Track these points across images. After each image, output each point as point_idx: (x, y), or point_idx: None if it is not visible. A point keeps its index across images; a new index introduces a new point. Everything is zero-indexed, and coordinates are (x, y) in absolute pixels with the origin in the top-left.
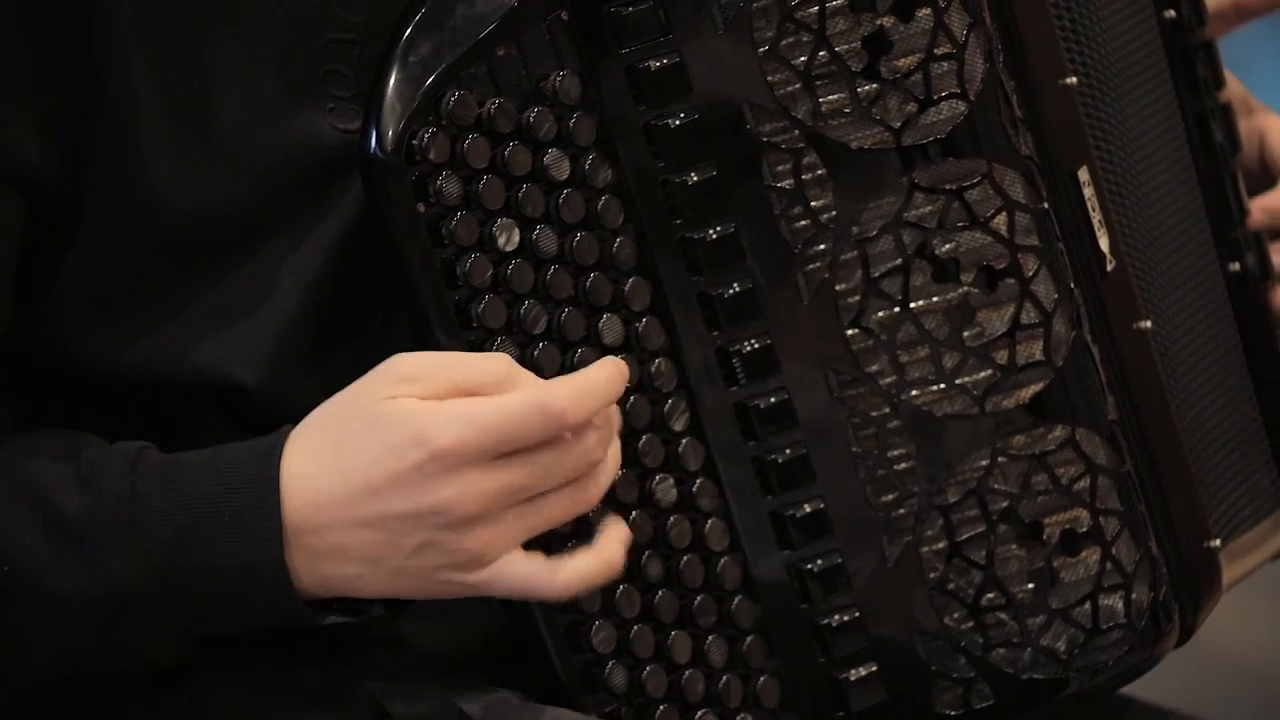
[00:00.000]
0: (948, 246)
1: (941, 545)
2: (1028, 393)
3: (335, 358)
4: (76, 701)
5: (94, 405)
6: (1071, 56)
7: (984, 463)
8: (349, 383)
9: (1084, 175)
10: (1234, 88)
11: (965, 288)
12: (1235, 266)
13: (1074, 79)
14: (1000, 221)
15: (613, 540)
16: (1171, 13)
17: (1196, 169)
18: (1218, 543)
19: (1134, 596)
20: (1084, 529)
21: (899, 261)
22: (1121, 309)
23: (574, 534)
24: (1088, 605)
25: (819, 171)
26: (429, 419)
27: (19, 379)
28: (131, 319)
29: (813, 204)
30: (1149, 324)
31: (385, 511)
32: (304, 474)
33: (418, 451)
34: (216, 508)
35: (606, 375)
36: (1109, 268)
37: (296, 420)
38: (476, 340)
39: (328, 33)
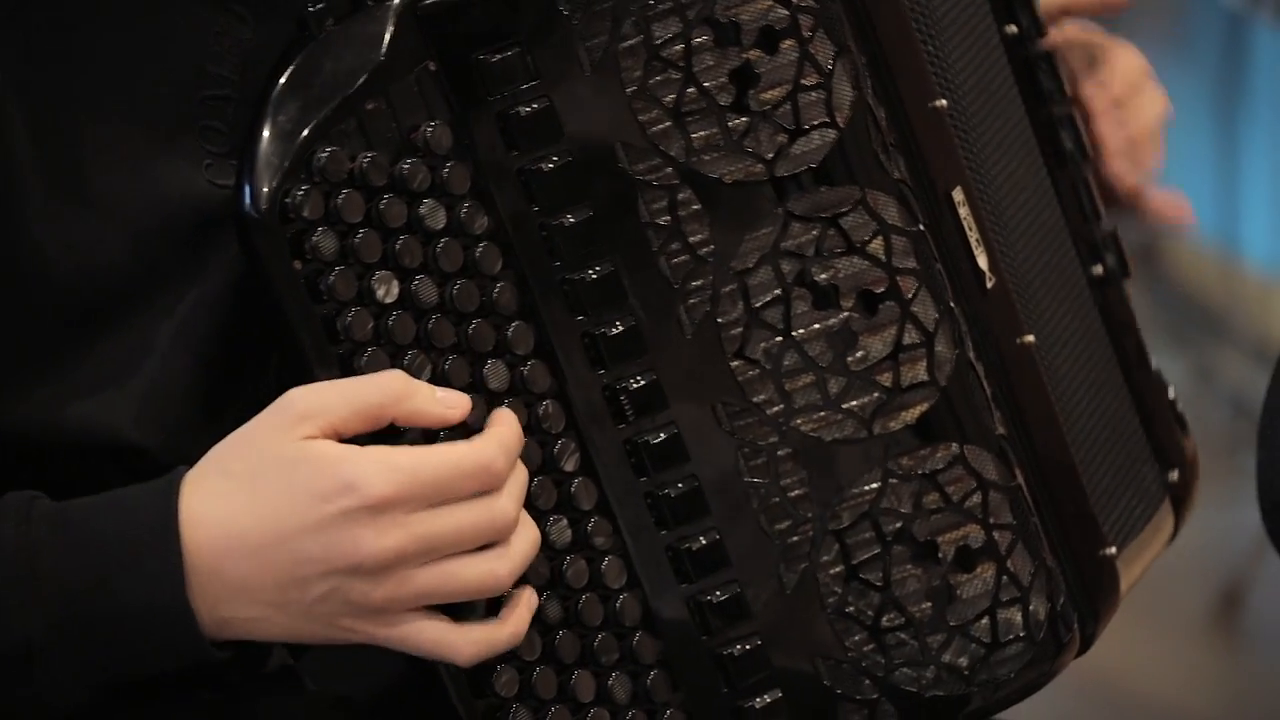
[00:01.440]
0: (826, 274)
1: (838, 569)
2: (914, 413)
3: (227, 411)
4: None
5: None
6: (938, 80)
7: (875, 485)
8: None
9: (959, 195)
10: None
11: (846, 313)
12: (1098, 270)
13: (943, 101)
14: (877, 246)
15: (522, 608)
16: (1012, 27)
17: (1052, 178)
18: (1114, 550)
19: (1032, 609)
20: (978, 545)
21: (779, 291)
22: (1005, 325)
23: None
24: (986, 620)
25: (695, 207)
26: (358, 464)
27: None
28: (12, 381)
29: (690, 239)
30: (1032, 338)
31: (297, 555)
32: (210, 517)
33: (347, 499)
34: (115, 551)
35: (517, 431)
36: (989, 285)
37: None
38: None
39: (202, 89)
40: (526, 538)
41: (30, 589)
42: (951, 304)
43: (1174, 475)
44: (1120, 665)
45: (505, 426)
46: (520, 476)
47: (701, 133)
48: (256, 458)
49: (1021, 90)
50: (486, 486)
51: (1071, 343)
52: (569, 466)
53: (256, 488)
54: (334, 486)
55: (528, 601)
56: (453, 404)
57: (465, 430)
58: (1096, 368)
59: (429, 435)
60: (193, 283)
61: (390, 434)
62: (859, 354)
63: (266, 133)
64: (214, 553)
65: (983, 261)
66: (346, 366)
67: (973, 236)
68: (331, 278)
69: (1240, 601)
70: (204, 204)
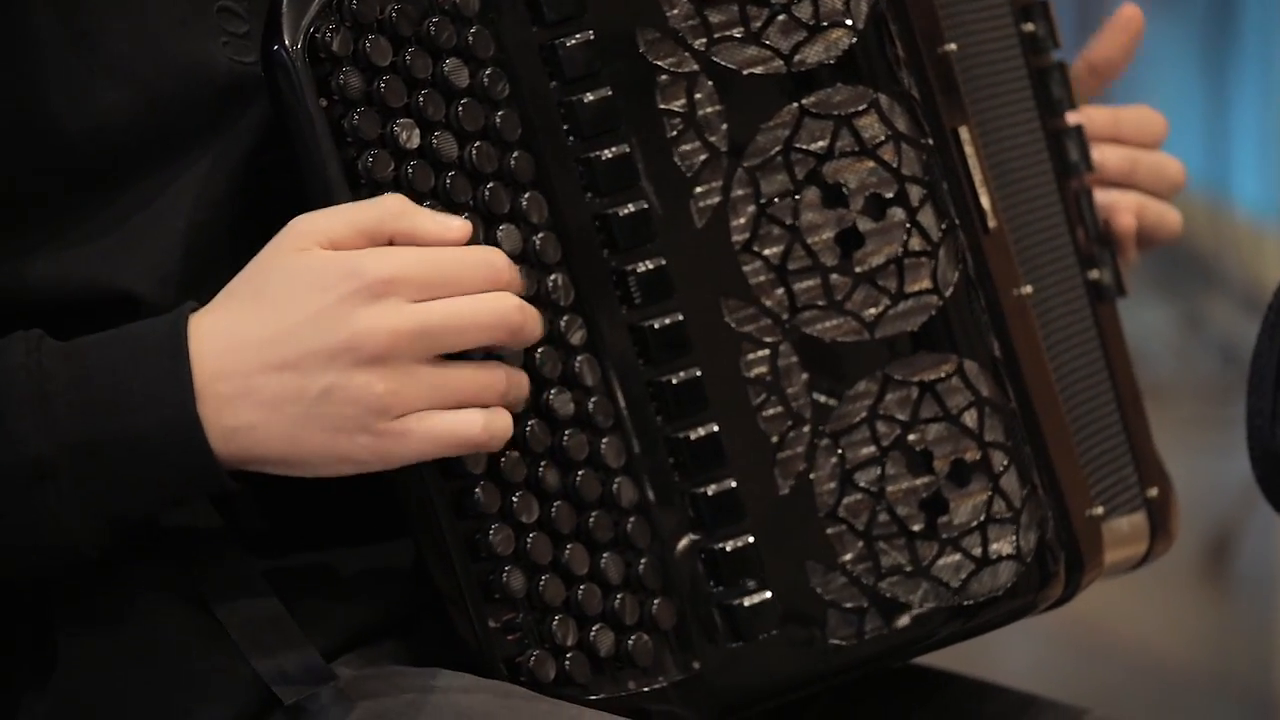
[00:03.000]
0: (837, 172)
1: (833, 474)
2: (916, 321)
3: (230, 278)
4: None
5: None
6: (946, 30)
7: (874, 390)
8: None
9: (965, 134)
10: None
11: (853, 214)
12: (1094, 274)
13: (953, 46)
14: (888, 152)
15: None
16: (1030, 26)
17: (1057, 184)
18: (1100, 510)
19: (1022, 533)
20: (973, 460)
21: (790, 188)
22: (1002, 272)
23: None
24: (977, 535)
25: (712, 98)
26: (362, 254)
27: None
28: (23, 236)
29: (705, 130)
30: (1030, 289)
31: (298, 349)
32: (215, 326)
33: (348, 283)
34: (124, 372)
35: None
36: (990, 225)
37: None
38: None
39: None
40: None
41: (40, 410)
42: (956, 221)
43: (1153, 492)
44: (1109, 613)
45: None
46: (534, 309)
47: (723, 22)
48: (260, 271)
49: (1035, 91)
50: (491, 282)
51: (1062, 319)
52: (575, 340)
53: (259, 294)
54: (335, 275)
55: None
56: (451, 225)
57: None
58: (1086, 360)
59: None
60: (207, 150)
61: None
62: (865, 257)
63: None
64: (217, 355)
65: (985, 201)
66: None
67: (976, 176)
68: (356, 117)
69: (1229, 550)
70: (221, 77)
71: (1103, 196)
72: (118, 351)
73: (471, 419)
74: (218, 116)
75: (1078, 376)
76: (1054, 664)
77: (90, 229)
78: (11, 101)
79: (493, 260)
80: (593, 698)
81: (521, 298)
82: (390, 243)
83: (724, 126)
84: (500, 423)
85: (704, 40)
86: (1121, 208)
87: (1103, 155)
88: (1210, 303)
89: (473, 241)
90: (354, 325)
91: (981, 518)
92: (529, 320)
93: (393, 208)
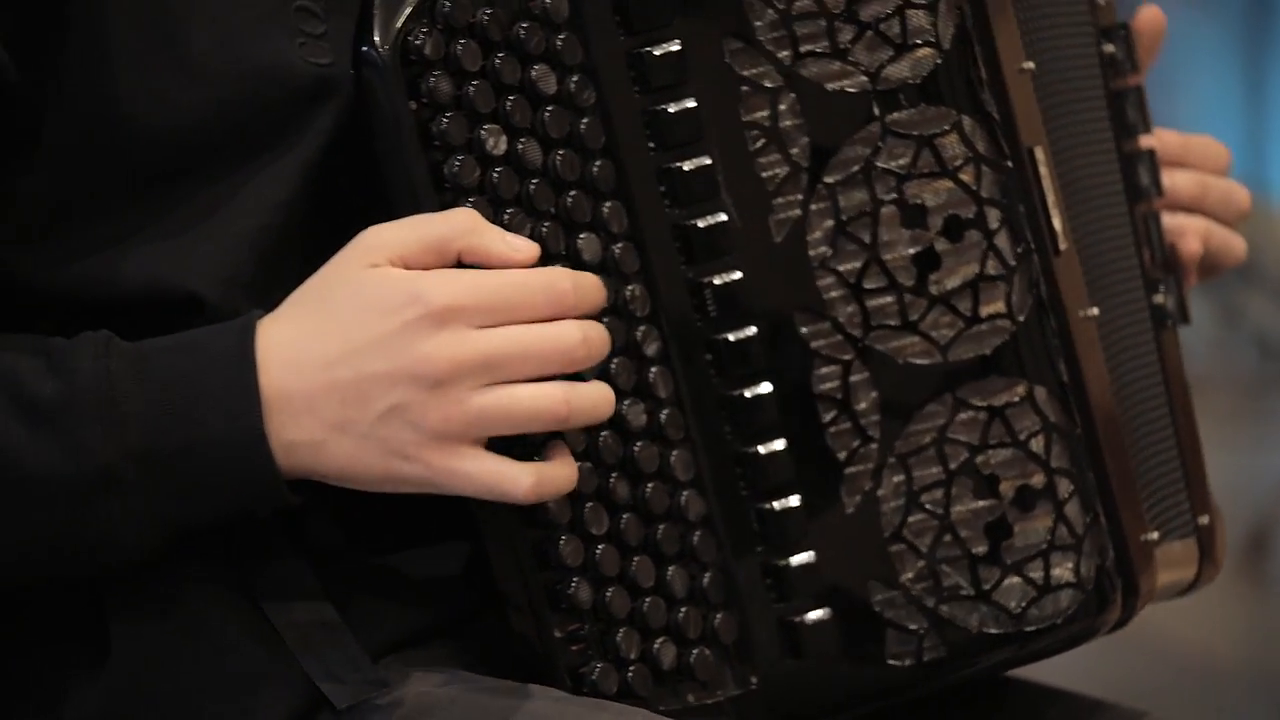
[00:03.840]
0: (917, 192)
1: (900, 495)
2: (989, 345)
3: (296, 281)
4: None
5: (35, 322)
6: (1026, 48)
7: (944, 413)
8: None
9: (1040, 154)
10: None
11: (932, 234)
12: (1158, 299)
13: (1032, 64)
14: (968, 174)
15: (567, 456)
16: (1110, 47)
17: (1128, 207)
18: (1155, 535)
19: (1083, 560)
20: (1038, 487)
21: (869, 207)
22: (1071, 292)
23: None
24: (1040, 561)
25: (795, 113)
26: (424, 280)
27: None
28: (91, 229)
29: (787, 144)
30: (1096, 311)
31: (361, 371)
32: (281, 339)
33: (412, 308)
34: (192, 382)
35: (598, 281)
36: (1061, 247)
37: None
38: None
39: None
40: (599, 387)
41: (109, 418)
42: (1031, 245)
43: (1204, 519)
44: (1146, 608)
45: (587, 274)
46: (601, 331)
47: (811, 39)
48: (326, 285)
49: (1110, 112)
50: (554, 308)
51: (1125, 344)
52: (650, 352)
53: (325, 309)
54: (399, 299)
55: (567, 451)
56: (519, 246)
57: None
58: (1146, 384)
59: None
60: (277, 152)
61: None
62: (941, 278)
63: None
64: (282, 372)
65: (1057, 223)
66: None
67: (1050, 197)
68: (445, 121)
69: (1267, 544)
70: (296, 79)
71: (1170, 221)
72: (187, 359)
73: (520, 473)
74: (290, 118)
75: (1138, 400)
76: (1092, 660)
77: (159, 229)
78: (92, 98)
79: (557, 284)
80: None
81: (594, 315)
82: (459, 260)
83: (805, 140)
84: (552, 475)
85: (789, 53)
86: (1189, 233)
87: (1173, 180)
88: (1247, 297)
89: (554, 250)
90: (416, 352)
91: (1045, 544)
92: (592, 351)
93: (463, 224)
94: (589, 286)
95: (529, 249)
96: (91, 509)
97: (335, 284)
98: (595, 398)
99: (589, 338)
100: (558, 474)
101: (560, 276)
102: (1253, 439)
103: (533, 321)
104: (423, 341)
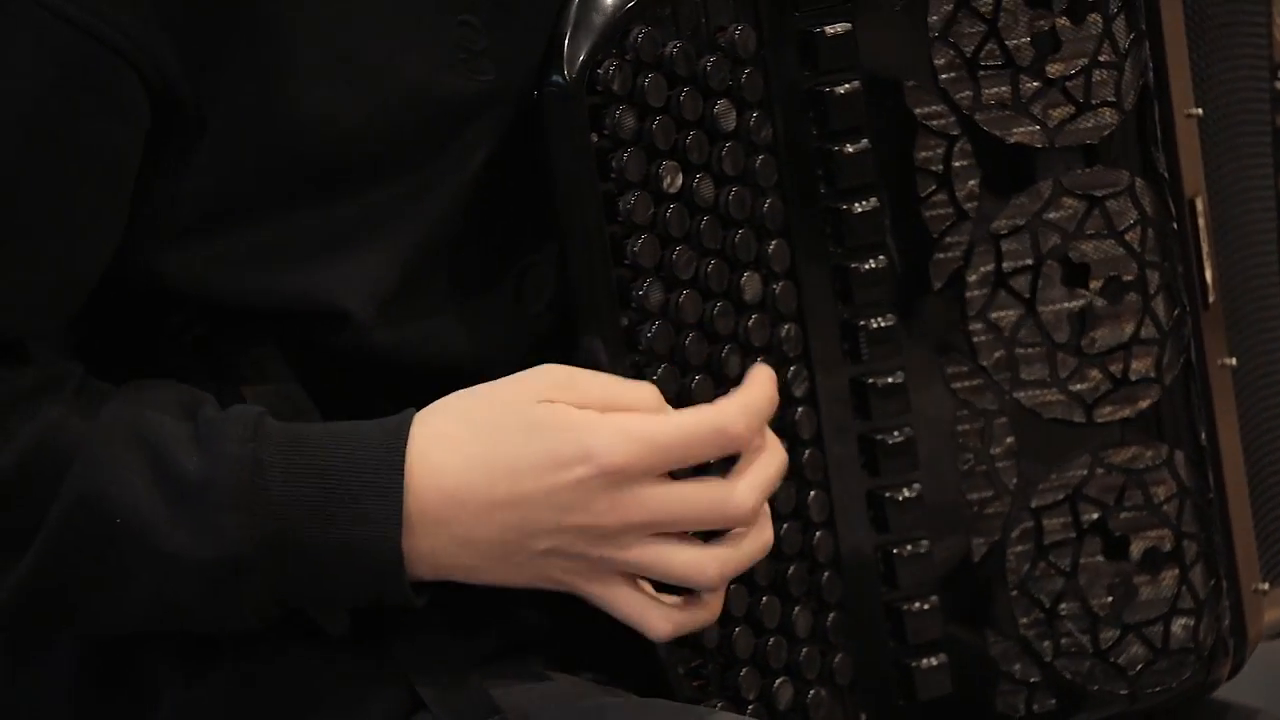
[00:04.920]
0: (1081, 252)
1: (1028, 547)
2: (1135, 408)
3: (448, 308)
4: (110, 678)
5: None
6: (1196, 88)
7: (1083, 471)
8: (454, 339)
9: (1199, 205)
10: None
11: (1090, 295)
12: None
13: (1200, 110)
14: (1133, 235)
15: (720, 595)
16: None
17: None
18: (1265, 586)
19: (1203, 624)
20: (1166, 550)
21: (1031, 260)
22: (1214, 343)
23: None
24: (1160, 625)
25: (968, 160)
26: (597, 432)
27: (104, 301)
28: (243, 241)
29: (957, 192)
30: (1234, 361)
31: (527, 517)
32: (444, 465)
33: (584, 467)
34: (338, 484)
35: (770, 394)
36: (1211, 299)
37: (389, 363)
38: (625, 278)
39: None
40: (756, 540)
41: (251, 505)
42: (1186, 307)
43: None
44: None
45: (757, 389)
46: (768, 469)
47: (993, 88)
48: (499, 412)
49: (1274, 150)
50: (724, 450)
51: (1260, 398)
52: (798, 393)
53: (496, 443)
54: (572, 454)
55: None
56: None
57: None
58: (1270, 432)
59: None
60: (432, 168)
61: None
62: (1095, 338)
63: (580, 4)
64: (444, 503)
65: (1209, 275)
66: (618, 248)
67: (1205, 249)
68: (625, 156)
69: None
70: (453, 94)
71: None
72: (335, 457)
73: (660, 620)
74: (449, 135)
75: (1263, 449)
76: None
77: (314, 243)
78: (264, 109)
79: (728, 429)
80: None
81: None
82: None
83: (974, 187)
84: (690, 621)
85: (968, 97)
86: None
87: None
88: None
89: (716, 288)
90: (586, 511)
91: (1167, 609)
92: (752, 514)
93: (648, 400)
94: (761, 413)
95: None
96: (218, 589)
97: (507, 414)
98: (753, 553)
99: (750, 506)
100: (694, 618)
101: (733, 420)
102: None
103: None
104: (593, 501)
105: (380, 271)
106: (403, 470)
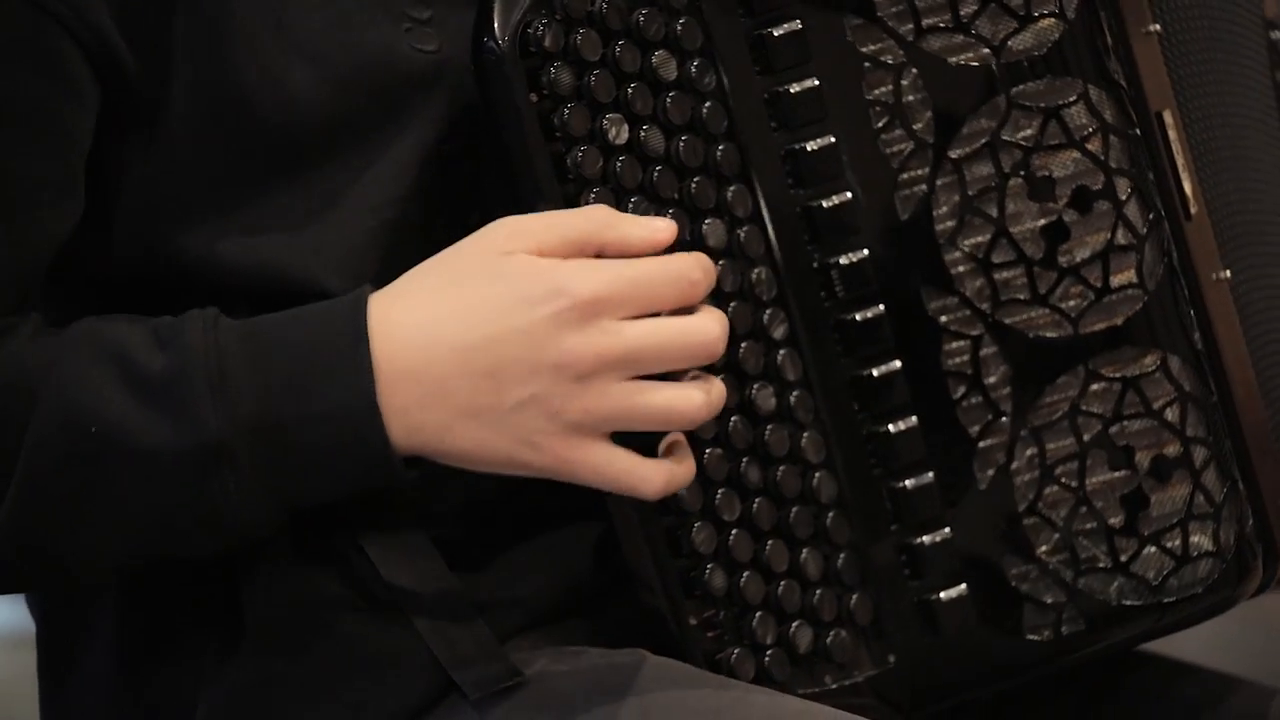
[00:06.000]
0: (1044, 164)
1: (1034, 468)
2: (1120, 315)
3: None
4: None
5: (158, 309)
6: (1154, 7)
7: (1077, 386)
8: None
9: (1169, 118)
10: None
11: (1060, 208)
12: None
13: (1158, 26)
14: (1095, 144)
15: (687, 450)
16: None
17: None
18: None
19: (1222, 528)
20: (1174, 456)
21: (995, 181)
22: (1203, 256)
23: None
24: (1178, 531)
25: (919, 93)
26: (565, 271)
27: (75, 284)
28: (208, 214)
29: (910, 120)
30: (1228, 274)
31: (501, 357)
32: (409, 319)
33: (554, 302)
34: (305, 355)
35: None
36: (1192, 211)
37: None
38: None
39: None
40: (720, 386)
41: (219, 392)
42: (1161, 212)
43: None
44: None
45: (702, 255)
46: (721, 317)
47: (928, 9)
48: (461, 266)
49: (1276, 83)
50: (687, 296)
51: (1260, 310)
52: (777, 335)
53: (461, 292)
54: (543, 290)
55: (686, 445)
56: (658, 226)
57: None
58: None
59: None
60: (389, 140)
61: None
62: (1069, 249)
63: None
64: (413, 353)
65: (1188, 187)
66: (573, 203)
67: (1180, 160)
68: (566, 113)
69: None
70: (403, 65)
71: None
72: (297, 332)
73: (652, 471)
74: (401, 104)
75: (1271, 361)
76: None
77: (284, 220)
78: (210, 82)
79: (690, 273)
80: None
81: (722, 300)
82: (599, 254)
83: (929, 116)
84: (680, 474)
85: (911, 28)
86: None
87: None
88: None
89: (679, 236)
90: (562, 346)
91: (1182, 514)
92: (719, 342)
93: (601, 219)
94: (711, 268)
95: (667, 227)
96: (203, 483)
97: (470, 263)
98: (723, 396)
99: (724, 333)
100: (682, 470)
101: (693, 265)
102: None
103: (671, 310)
104: (568, 335)
105: (353, 248)
106: (367, 331)
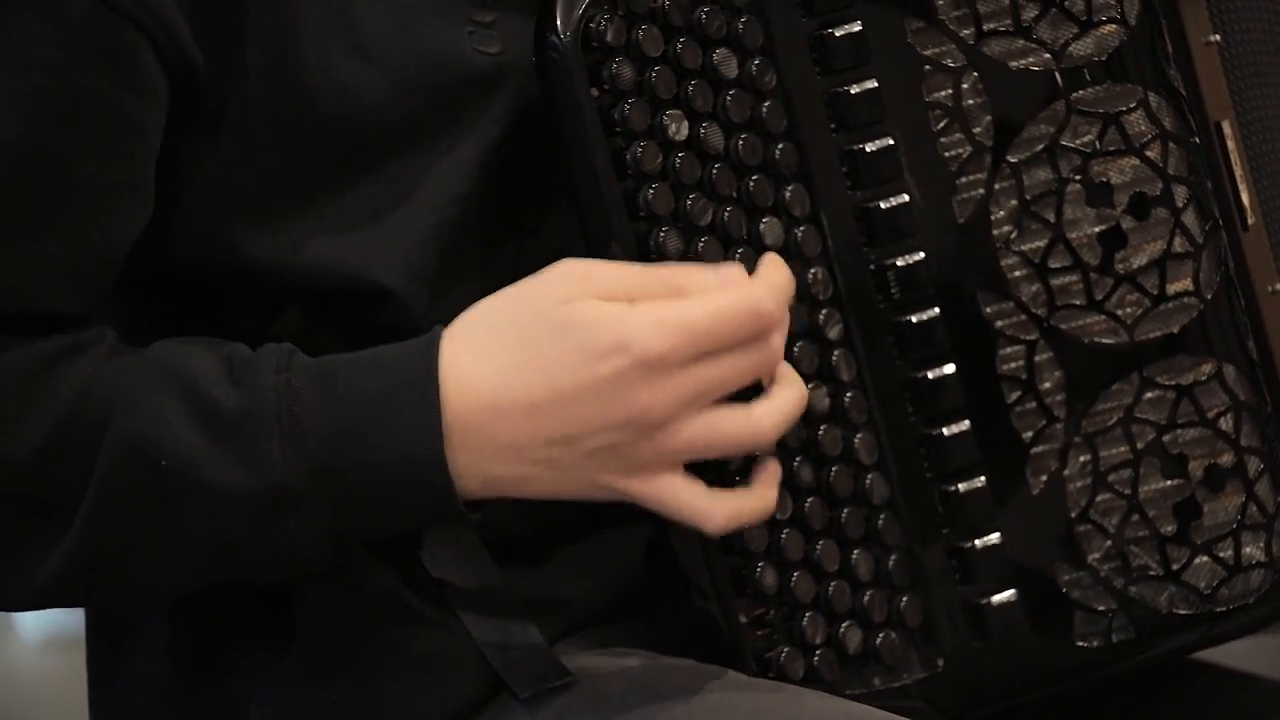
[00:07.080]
0: (1102, 170)
1: (1086, 475)
2: (1176, 323)
3: (474, 269)
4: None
5: (219, 307)
6: (1215, 18)
7: (1131, 393)
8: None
9: (1227, 129)
10: None
11: (1118, 214)
12: None
13: (1218, 37)
14: (1154, 150)
15: (770, 483)
16: None
17: None
18: None
19: (1274, 539)
20: (1228, 466)
21: (1053, 186)
22: (1260, 266)
23: (733, 470)
24: (1230, 541)
25: (978, 91)
26: (631, 323)
27: (145, 284)
28: (271, 213)
29: (970, 123)
30: None
31: (571, 415)
32: (479, 375)
33: (620, 358)
34: (375, 403)
35: (787, 276)
36: (1250, 221)
37: (425, 331)
38: (643, 229)
39: None
40: (792, 391)
41: (288, 435)
42: (1219, 221)
43: None
44: None
45: (775, 270)
46: (784, 329)
47: (990, 14)
48: (527, 317)
49: None
50: (758, 331)
51: None
52: (832, 335)
53: (527, 347)
54: (607, 346)
55: (774, 474)
56: (726, 278)
57: None
58: None
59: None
60: (452, 140)
61: None
62: (1127, 256)
63: None
64: (485, 413)
65: (1245, 198)
66: (631, 200)
67: (1238, 171)
68: (627, 107)
69: None
70: (466, 67)
71: None
72: (369, 379)
73: (714, 509)
74: (465, 106)
75: None
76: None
77: (347, 220)
78: (277, 82)
79: (760, 307)
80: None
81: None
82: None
83: (988, 119)
84: (746, 510)
85: (971, 31)
86: None
87: None
88: None
89: (735, 234)
90: (634, 404)
91: (1235, 523)
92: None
93: (669, 279)
94: (785, 288)
95: (737, 278)
96: (268, 524)
97: (535, 317)
98: (793, 402)
99: (782, 346)
100: (748, 505)
101: (763, 297)
102: None
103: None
104: (638, 391)
105: (414, 247)
106: (438, 382)
